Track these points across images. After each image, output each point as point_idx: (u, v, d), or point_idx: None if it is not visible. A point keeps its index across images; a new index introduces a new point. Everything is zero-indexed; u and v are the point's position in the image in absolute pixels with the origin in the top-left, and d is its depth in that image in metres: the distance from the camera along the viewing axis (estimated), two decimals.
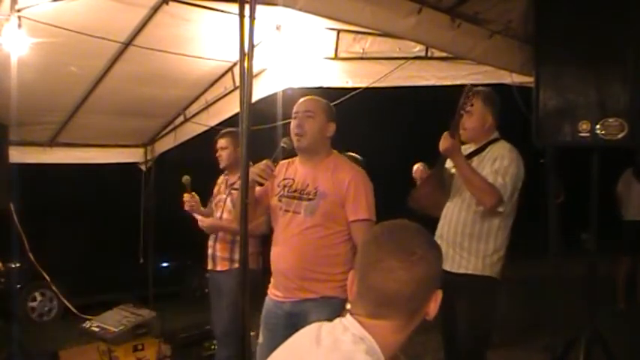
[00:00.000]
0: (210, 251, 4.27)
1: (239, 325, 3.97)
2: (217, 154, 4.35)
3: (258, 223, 3.80)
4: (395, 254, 1.39)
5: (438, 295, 1.43)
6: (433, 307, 1.43)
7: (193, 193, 4.32)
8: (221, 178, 4.45)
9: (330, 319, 1.47)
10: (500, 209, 3.13)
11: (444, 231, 3.32)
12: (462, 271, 3.21)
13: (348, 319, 1.43)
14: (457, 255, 3.24)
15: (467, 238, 3.22)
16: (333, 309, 2.92)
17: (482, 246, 3.20)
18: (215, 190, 4.43)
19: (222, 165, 4.33)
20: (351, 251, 3.03)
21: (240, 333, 2.67)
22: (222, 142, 4.35)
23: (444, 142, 3.15)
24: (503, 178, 3.11)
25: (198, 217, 4.24)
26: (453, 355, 3.37)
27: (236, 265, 4.04)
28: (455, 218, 3.29)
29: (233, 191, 4.09)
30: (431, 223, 3.35)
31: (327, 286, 3.01)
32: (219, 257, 4.19)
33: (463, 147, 3.37)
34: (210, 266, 4.28)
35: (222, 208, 4.23)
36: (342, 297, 2.94)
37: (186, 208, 4.31)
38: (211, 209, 4.41)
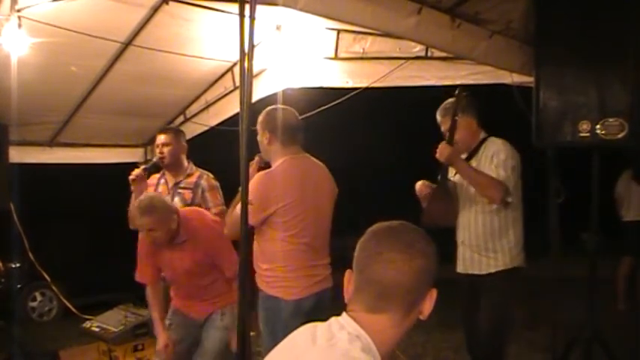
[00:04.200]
0: None
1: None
2: (159, 151, 4.08)
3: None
4: (395, 246, 1.43)
5: (433, 294, 1.45)
6: (428, 306, 1.45)
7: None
8: (154, 178, 4.20)
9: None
10: (509, 199, 3.30)
11: (465, 237, 3.48)
12: (491, 270, 3.37)
13: (344, 318, 1.44)
14: (484, 257, 3.40)
15: (489, 238, 3.38)
16: (261, 301, 3.22)
17: (504, 241, 3.37)
18: (150, 192, 4.09)
19: (165, 162, 4.05)
20: (280, 251, 3.15)
21: (240, 333, 2.67)
22: (164, 138, 4.06)
23: (444, 151, 3.30)
24: (505, 171, 3.28)
25: None
26: (477, 348, 3.52)
27: None
28: (473, 223, 3.44)
29: (181, 190, 3.99)
30: (443, 233, 3.43)
31: (259, 281, 3.24)
32: None
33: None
34: None
35: None
36: (265, 291, 3.18)
37: (131, 177, 3.98)
38: None
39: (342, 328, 1.40)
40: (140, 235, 3.56)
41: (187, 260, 3.49)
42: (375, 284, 1.41)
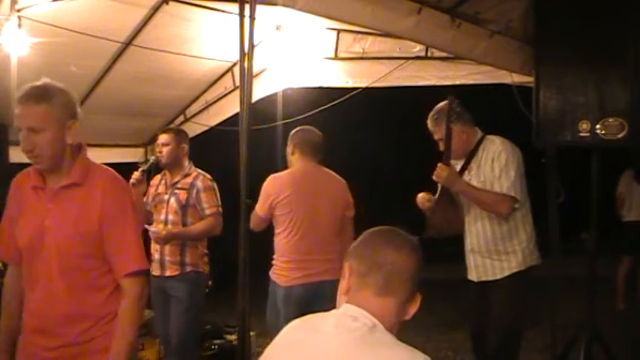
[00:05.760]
0: (157, 256, 4.01)
1: (196, 332, 4.03)
2: (158, 151, 4.12)
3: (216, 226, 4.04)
4: (401, 239, 1.54)
5: (419, 298, 1.53)
6: (414, 308, 1.53)
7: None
8: (156, 179, 4.23)
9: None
10: (517, 205, 3.26)
11: (474, 244, 3.42)
12: (505, 274, 3.32)
13: (352, 309, 1.46)
14: (496, 261, 3.35)
15: (500, 242, 3.33)
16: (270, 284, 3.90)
17: (515, 241, 3.33)
18: (151, 192, 4.18)
19: (163, 162, 4.08)
20: (278, 244, 3.86)
21: (240, 333, 2.67)
22: (163, 138, 4.10)
23: (442, 173, 3.25)
24: (509, 178, 3.23)
25: (151, 229, 3.88)
26: (483, 349, 3.48)
27: (188, 269, 3.97)
28: (481, 229, 3.38)
29: (177, 191, 4.00)
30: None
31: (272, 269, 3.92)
32: (169, 261, 3.98)
33: (455, 162, 3.42)
34: (157, 272, 3.99)
35: (165, 210, 4.02)
36: (271, 276, 3.87)
37: (131, 181, 3.82)
38: (149, 212, 4.14)
39: (355, 319, 1.44)
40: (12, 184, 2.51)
41: (68, 221, 2.31)
42: (387, 266, 1.48)
